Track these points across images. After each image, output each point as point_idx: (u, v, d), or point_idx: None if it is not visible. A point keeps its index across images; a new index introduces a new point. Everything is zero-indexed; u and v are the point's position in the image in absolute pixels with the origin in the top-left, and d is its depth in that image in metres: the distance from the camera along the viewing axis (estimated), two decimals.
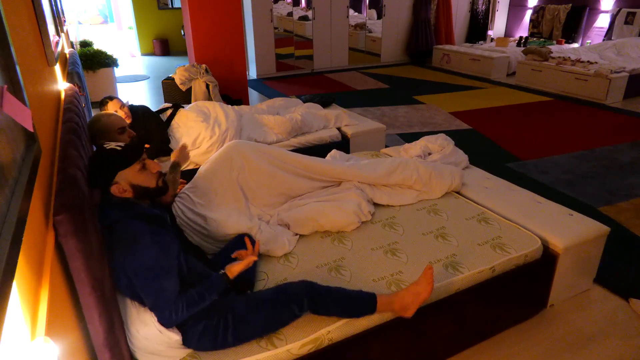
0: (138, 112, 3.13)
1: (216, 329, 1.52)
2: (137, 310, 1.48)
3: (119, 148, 1.54)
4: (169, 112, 3.40)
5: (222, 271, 1.57)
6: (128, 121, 2.93)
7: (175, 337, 1.49)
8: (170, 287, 1.42)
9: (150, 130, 3.15)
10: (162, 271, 1.42)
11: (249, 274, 1.87)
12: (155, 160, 1.69)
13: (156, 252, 1.42)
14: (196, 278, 1.58)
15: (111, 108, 2.89)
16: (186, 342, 1.52)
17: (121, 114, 2.91)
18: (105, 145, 1.56)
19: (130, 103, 3.21)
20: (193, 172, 2.54)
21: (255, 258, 1.61)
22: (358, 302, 1.68)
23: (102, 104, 2.92)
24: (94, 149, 2.29)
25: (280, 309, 1.59)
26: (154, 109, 3.40)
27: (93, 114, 2.35)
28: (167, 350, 1.50)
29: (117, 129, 2.17)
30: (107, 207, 1.48)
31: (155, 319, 1.43)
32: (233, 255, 1.67)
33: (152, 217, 1.52)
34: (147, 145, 3.13)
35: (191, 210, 2.15)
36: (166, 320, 1.42)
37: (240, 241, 2.01)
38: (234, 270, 1.57)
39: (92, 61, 6.11)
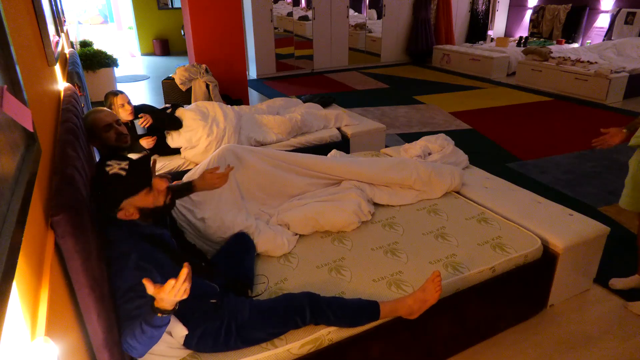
0: (144, 110, 3.16)
1: (217, 333, 1.51)
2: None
3: (123, 173, 1.41)
4: (168, 111, 3.40)
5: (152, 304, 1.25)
6: (130, 117, 2.94)
7: (180, 333, 1.48)
8: (131, 313, 1.32)
9: (157, 115, 3.17)
10: (128, 299, 1.33)
11: (248, 273, 1.87)
12: (162, 179, 1.53)
13: (132, 280, 1.33)
14: (199, 292, 1.52)
15: (117, 103, 2.88)
16: (186, 343, 1.51)
17: (128, 108, 2.90)
18: (107, 169, 1.41)
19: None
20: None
21: (185, 286, 1.23)
22: (360, 312, 1.67)
23: (105, 99, 2.91)
24: (95, 150, 2.29)
25: (283, 319, 1.58)
26: None
27: None
28: (167, 350, 1.50)
29: (102, 126, 2.01)
30: (107, 223, 1.44)
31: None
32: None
33: (150, 238, 1.47)
34: (154, 138, 3.11)
35: (190, 211, 2.16)
36: (128, 345, 1.31)
37: (237, 240, 2.01)
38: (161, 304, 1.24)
39: (92, 61, 6.12)
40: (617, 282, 2.44)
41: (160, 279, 1.36)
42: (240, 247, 1.96)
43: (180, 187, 1.91)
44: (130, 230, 1.44)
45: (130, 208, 1.43)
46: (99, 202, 1.43)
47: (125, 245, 1.39)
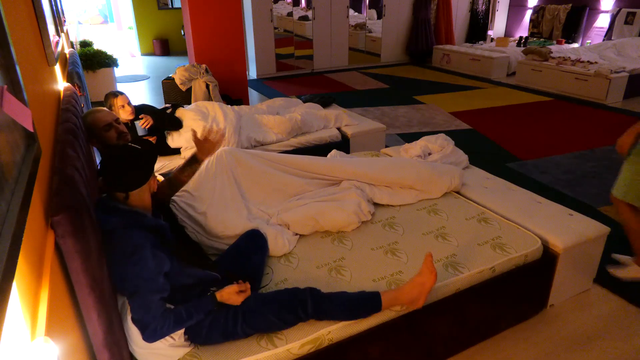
0: (144, 110, 3.16)
1: (225, 321, 1.53)
2: None
3: (138, 147, 1.58)
4: (168, 111, 3.41)
5: (213, 292, 1.55)
6: (131, 117, 2.94)
7: (179, 331, 1.49)
8: (158, 303, 1.41)
9: (157, 116, 3.18)
10: (155, 286, 1.41)
11: (255, 271, 1.87)
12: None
13: (153, 267, 1.42)
14: (195, 281, 1.59)
15: (118, 104, 2.88)
16: (192, 337, 1.52)
17: (128, 109, 2.91)
18: (130, 144, 1.59)
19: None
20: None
21: (248, 294, 1.59)
22: (362, 303, 1.68)
23: (105, 99, 2.91)
24: (94, 149, 2.29)
25: (287, 308, 1.59)
26: None
27: None
28: (168, 350, 1.50)
29: (102, 126, 2.07)
30: (109, 212, 1.46)
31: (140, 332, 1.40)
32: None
33: (154, 229, 1.52)
34: (154, 138, 3.12)
35: (191, 206, 2.17)
36: (150, 334, 1.39)
37: (247, 238, 1.99)
38: (224, 297, 1.54)
39: (92, 61, 6.12)
40: (616, 271, 2.50)
41: (169, 266, 1.49)
42: (250, 244, 1.96)
43: (187, 162, 1.91)
44: (137, 220, 1.47)
45: (147, 188, 1.54)
46: (124, 177, 1.49)
47: (137, 238, 1.43)
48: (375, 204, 2.50)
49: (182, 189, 2.27)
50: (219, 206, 2.21)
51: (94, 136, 2.08)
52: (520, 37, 9.07)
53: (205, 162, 2.43)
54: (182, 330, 1.50)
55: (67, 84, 2.44)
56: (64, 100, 2.06)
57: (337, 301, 1.65)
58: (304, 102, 4.31)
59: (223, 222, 2.10)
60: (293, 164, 2.53)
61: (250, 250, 1.93)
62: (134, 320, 1.40)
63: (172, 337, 1.49)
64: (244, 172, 2.42)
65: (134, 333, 1.46)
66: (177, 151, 3.31)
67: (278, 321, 1.58)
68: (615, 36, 8.16)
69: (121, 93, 2.93)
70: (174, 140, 3.26)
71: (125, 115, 2.88)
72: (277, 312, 1.58)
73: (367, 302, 1.68)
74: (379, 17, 9.14)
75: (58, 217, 1.11)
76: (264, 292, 1.76)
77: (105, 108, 2.18)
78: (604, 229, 2.27)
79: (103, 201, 1.51)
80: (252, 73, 8.34)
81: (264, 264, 1.95)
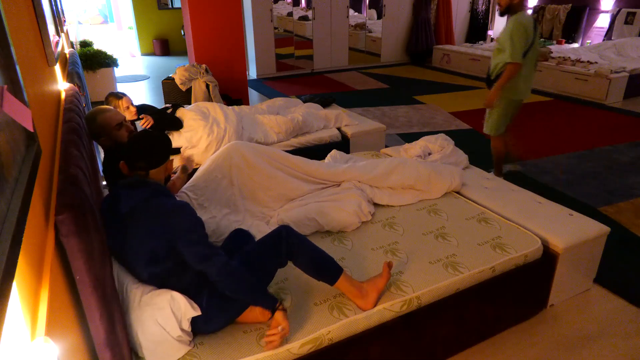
0: (145, 110, 3.17)
1: (219, 296, 1.56)
2: (151, 296, 1.49)
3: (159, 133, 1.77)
4: (169, 111, 3.41)
5: (279, 302, 1.59)
6: (134, 118, 2.95)
7: (189, 313, 1.50)
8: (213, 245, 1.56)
9: (158, 116, 3.20)
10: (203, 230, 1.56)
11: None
12: None
13: (195, 218, 1.56)
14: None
15: (123, 105, 2.89)
16: (196, 326, 1.54)
17: (132, 110, 2.92)
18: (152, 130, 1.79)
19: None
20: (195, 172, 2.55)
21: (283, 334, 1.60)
22: (327, 263, 1.73)
23: (106, 100, 2.90)
24: (96, 146, 2.30)
25: (269, 258, 1.68)
26: None
27: None
28: (173, 342, 1.48)
29: (114, 125, 2.12)
30: (134, 187, 1.57)
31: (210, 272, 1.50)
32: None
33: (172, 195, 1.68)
34: None
35: None
36: (223, 261, 1.50)
37: (233, 238, 1.99)
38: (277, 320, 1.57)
39: (92, 61, 6.12)
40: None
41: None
42: (238, 242, 1.95)
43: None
44: (163, 189, 1.64)
45: (164, 169, 1.72)
46: (150, 154, 1.66)
47: (173, 199, 1.62)
48: (375, 204, 2.50)
49: (185, 190, 2.27)
50: (216, 210, 2.21)
51: (104, 134, 2.11)
52: None
53: (213, 156, 2.42)
54: (189, 318, 1.51)
55: (70, 84, 2.44)
56: (67, 99, 2.06)
57: (310, 246, 1.73)
58: (304, 102, 4.31)
59: (215, 231, 2.11)
60: (298, 167, 2.50)
61: (239, 247, 1.92)
62: (202, 261, 1.49)
63: (182, 330, 1.49)
64: (250, 172, 2.38)
65: (140, 326, 1.46)
66: (177, 151, 3.31)
67: (267, 273, 1.69)
68: (615, 36, 8.16)
69: (124, 94, 2.94)
70: (174, 140, 3.26)
71: (129, 116, 2.90)
72: (263, 266, 1.67)
73: (327, 270, 1.73)
74: (379, 17, 9.14)
75: (62, 216, 1.11)
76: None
77: (111, 107, 2.21)
78: (604, 229, 2.27)
79: (122, 183, 1.60)
80: (252, 73, 8.34)
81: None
